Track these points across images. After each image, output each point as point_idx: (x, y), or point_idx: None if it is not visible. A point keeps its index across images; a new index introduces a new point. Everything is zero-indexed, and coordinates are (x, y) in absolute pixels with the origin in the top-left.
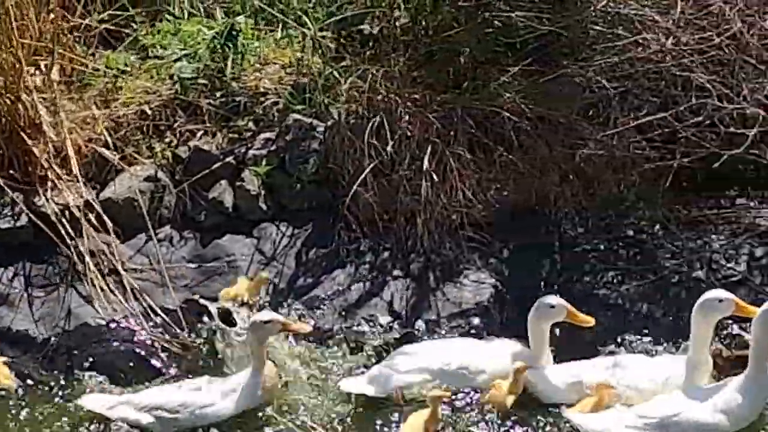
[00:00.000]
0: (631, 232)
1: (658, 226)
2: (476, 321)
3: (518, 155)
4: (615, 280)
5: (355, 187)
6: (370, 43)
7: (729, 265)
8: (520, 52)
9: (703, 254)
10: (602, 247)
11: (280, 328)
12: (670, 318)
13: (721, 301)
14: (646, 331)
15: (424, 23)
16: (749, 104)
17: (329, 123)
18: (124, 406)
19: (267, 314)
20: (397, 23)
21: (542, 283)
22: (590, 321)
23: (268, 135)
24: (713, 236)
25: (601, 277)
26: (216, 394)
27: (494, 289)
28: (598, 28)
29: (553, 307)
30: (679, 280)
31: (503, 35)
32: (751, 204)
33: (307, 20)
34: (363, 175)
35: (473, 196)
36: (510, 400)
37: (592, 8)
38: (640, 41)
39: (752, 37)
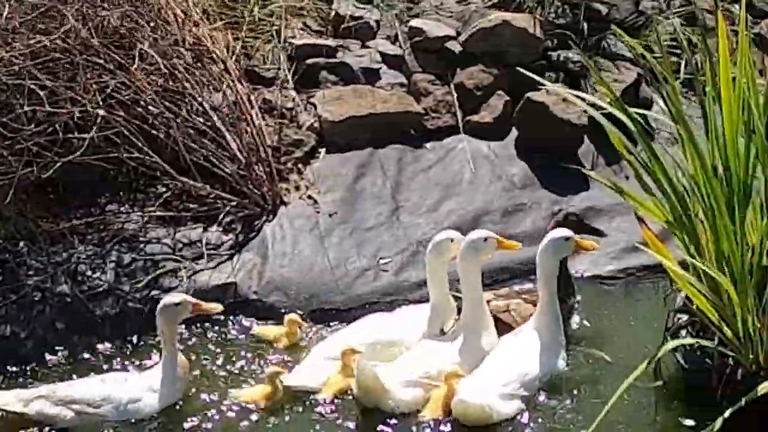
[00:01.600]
0: None
1: (23, 243)
2: None
3: None
4: None
5: None
6: None
7: (95, 275)
8: None
9: (68, 267)
10: None
11: (191, 309)
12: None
13: (568, 239)
14: None
15: None
16: (92, 105)
17: None
18: (42, 400)
19: (177, 296)
20: None
21: None
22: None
23: None
24: (81, 247)
25: None
26: (141, 389)
27: None
28: None
29: (486, 240)
30: (43, 297)
31: None
32: (122, 209)
33: None
34: None
35: None
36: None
37: None
38: None
39: (95, 36)
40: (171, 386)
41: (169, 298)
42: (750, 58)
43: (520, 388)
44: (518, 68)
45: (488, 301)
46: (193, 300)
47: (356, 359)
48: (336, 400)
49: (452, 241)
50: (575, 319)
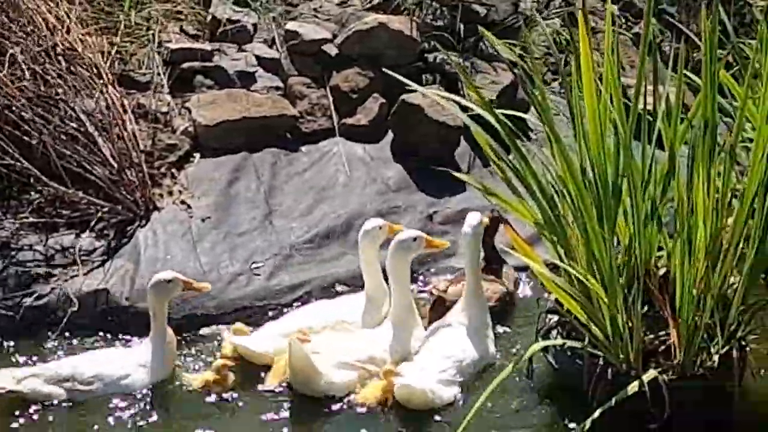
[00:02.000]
0: None
1: None
2: None
3: None
4: None
5: None
6: None
7: None
8: None
9: None
10: None
11: (182, 287)
12: None
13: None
14: None
15: None
16: None
17: None
18: (35, 379)
19: (168, 273)
20: None
21: None
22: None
23: None
24: None
25: None
26: (130, 365)
27: None
28: None
29: (415, 239)
30: None
31: None
32: None
33: None
34: None
35: None
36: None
37: None
38: None
39: None
40: (160, 361)
41: (161, 275)
42: (613, 57)
43: (457, 374)
44: (390, 71)
45: (446, 289)
46: (184, 278)
47: (290, 341)
48: None
49: (380, 228)
50: None
